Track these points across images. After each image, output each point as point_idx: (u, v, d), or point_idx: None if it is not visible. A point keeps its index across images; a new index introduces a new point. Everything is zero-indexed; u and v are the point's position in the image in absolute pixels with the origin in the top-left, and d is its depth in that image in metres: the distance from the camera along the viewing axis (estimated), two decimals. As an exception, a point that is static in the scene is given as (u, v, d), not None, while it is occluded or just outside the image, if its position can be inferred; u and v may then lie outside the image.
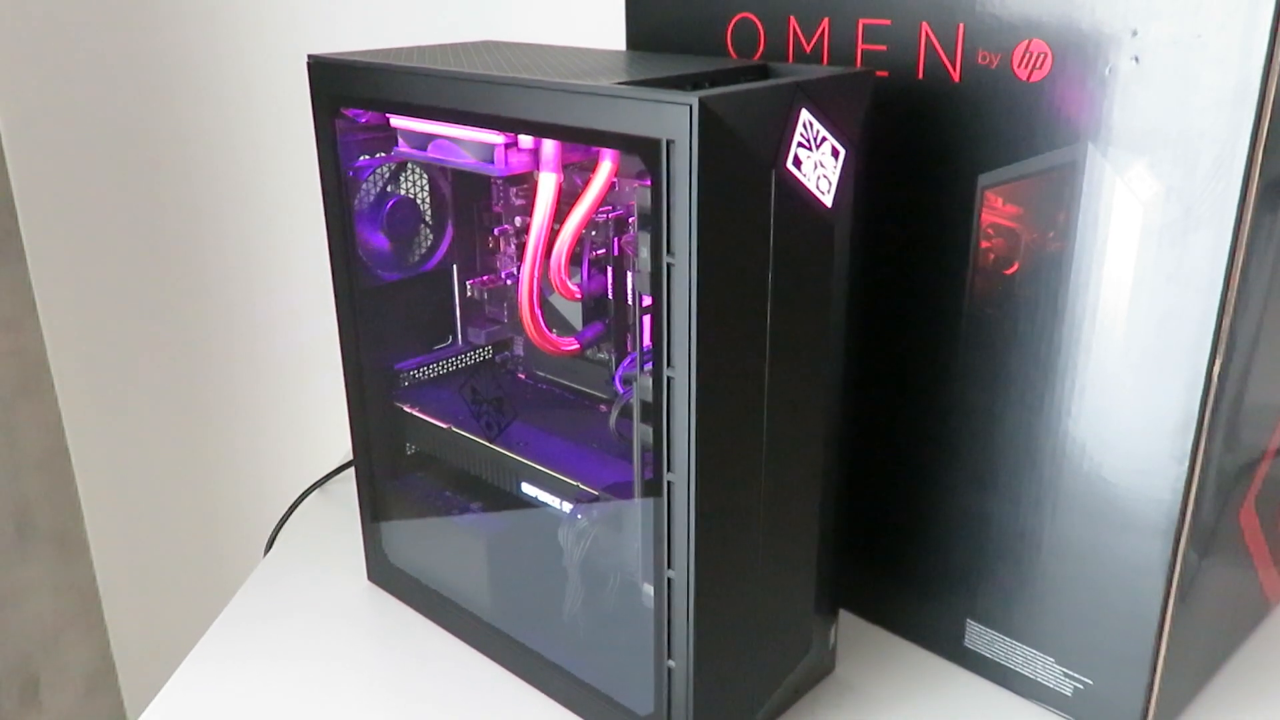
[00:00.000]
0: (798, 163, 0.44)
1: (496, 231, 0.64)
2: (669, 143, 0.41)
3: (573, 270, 0.57)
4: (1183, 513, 0.48)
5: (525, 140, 0.52)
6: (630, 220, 0.55)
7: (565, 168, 0.53)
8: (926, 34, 0.50)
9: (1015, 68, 0.47)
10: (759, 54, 0.56)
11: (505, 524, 0.60)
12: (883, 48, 0.51)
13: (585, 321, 0.59)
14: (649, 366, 0.46)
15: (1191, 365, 0.45)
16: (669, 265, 0.42)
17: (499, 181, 0.62)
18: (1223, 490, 0.51)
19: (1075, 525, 0.51)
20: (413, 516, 0.64)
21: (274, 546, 0.73)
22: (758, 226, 0.44)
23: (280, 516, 0.76)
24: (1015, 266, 0.50)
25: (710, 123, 0.40)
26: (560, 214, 0.53)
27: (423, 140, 0.56)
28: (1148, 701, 0.51)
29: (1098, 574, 0.51)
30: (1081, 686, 0.53)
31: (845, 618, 0.61)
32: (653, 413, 0.45)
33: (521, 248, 0.61)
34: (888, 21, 0.51)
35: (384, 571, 0.66)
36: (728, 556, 0.48)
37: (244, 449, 1.13)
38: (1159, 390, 0.47)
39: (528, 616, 0.59)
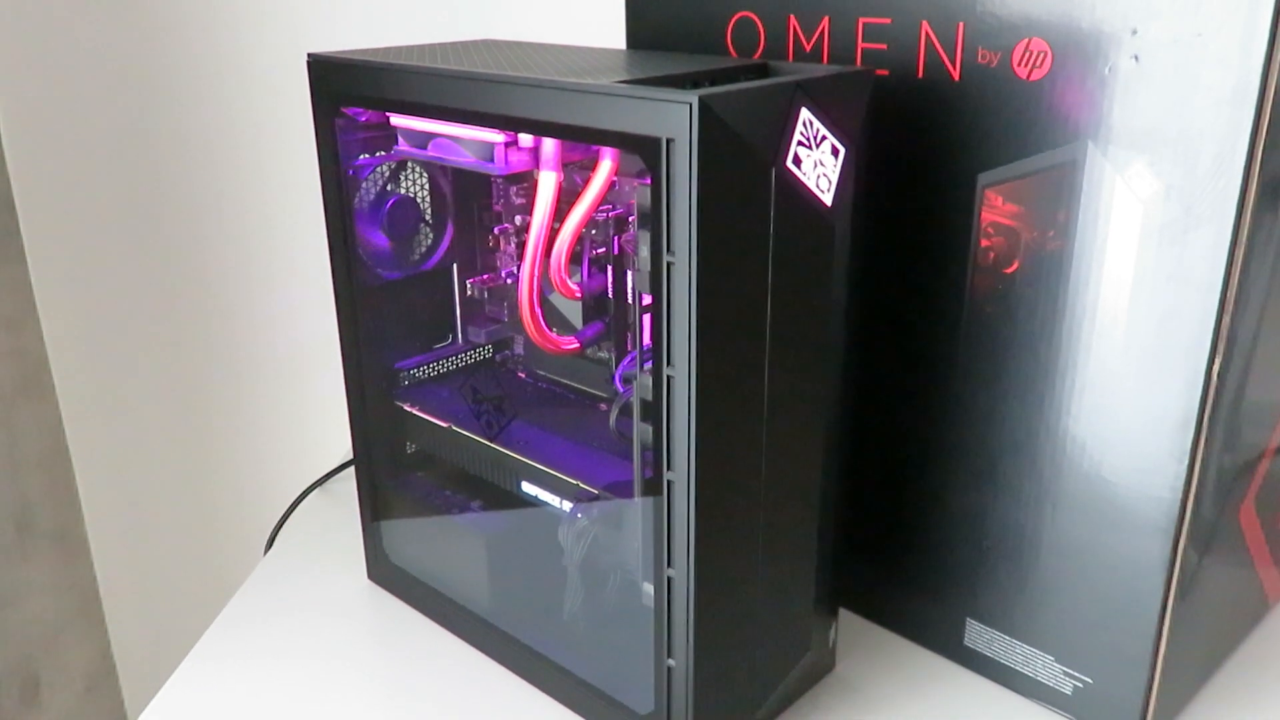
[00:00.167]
0: (798, 161, 0.44)
1: (496, 230, 0.64)
2: (669, 141, 0.41)
3: (573, 269, 0.57)
4: (1182, 511, 0.48)
5: (525, 139, 0.52)
6: (630, 219, 0.55)
7: (565, 166, 0.54)
8: (926, 33, 0.50)
9: (1015, 66, 0.47)
10: (759, 53, 0.56)
11: (505, 523, 0.60)
12: (883, 46, 0.51)
13: (585, 320, 0.59)
14: (649, 365, 0.46)
15: (1191, 364, 0.45)
16: (669, 264, 0.42)
17: (499, 180, 0.62)
18: (1222, 489, 0.51)
19: (1075, 524, 0.51)
20: (413, 515, 0.64)
21: (274, 545, 0.73)
22: (758, 225, 0.44)
23: (280, 515, 0.76)
24: (1015, 265, 0.50)
25: (710, 121, 0.40)
26: (560, 213, 0.53)
27: (423, 139, 0.56)
28: (1147, 700, 0.51)
29: (1098, 573, 0.51)
30: (1081, 685, 0.53)
31: (845, 616, 0.61)
32: (653, 411, 0.45)
33: (521, 246, 0.61)
34: (888, 20, 0.51)
35: (384, 570, 0.66)
36: (728, 555, 0.48)
37: (244, 448, 1.13)
38: (1159, 389, 0.47)
39: (528, 615, 0.59)
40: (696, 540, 0.46)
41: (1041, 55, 0.46)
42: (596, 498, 0.54)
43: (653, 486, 0.47)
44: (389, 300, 0.63)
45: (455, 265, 0.65)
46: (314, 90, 0.57)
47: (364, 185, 0.60)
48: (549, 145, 0.52)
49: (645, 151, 0.42)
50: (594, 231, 0.56)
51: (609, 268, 0.57)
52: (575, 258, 0.56)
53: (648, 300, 0.44)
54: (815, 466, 0.51)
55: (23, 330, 1.07)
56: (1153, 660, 0.50)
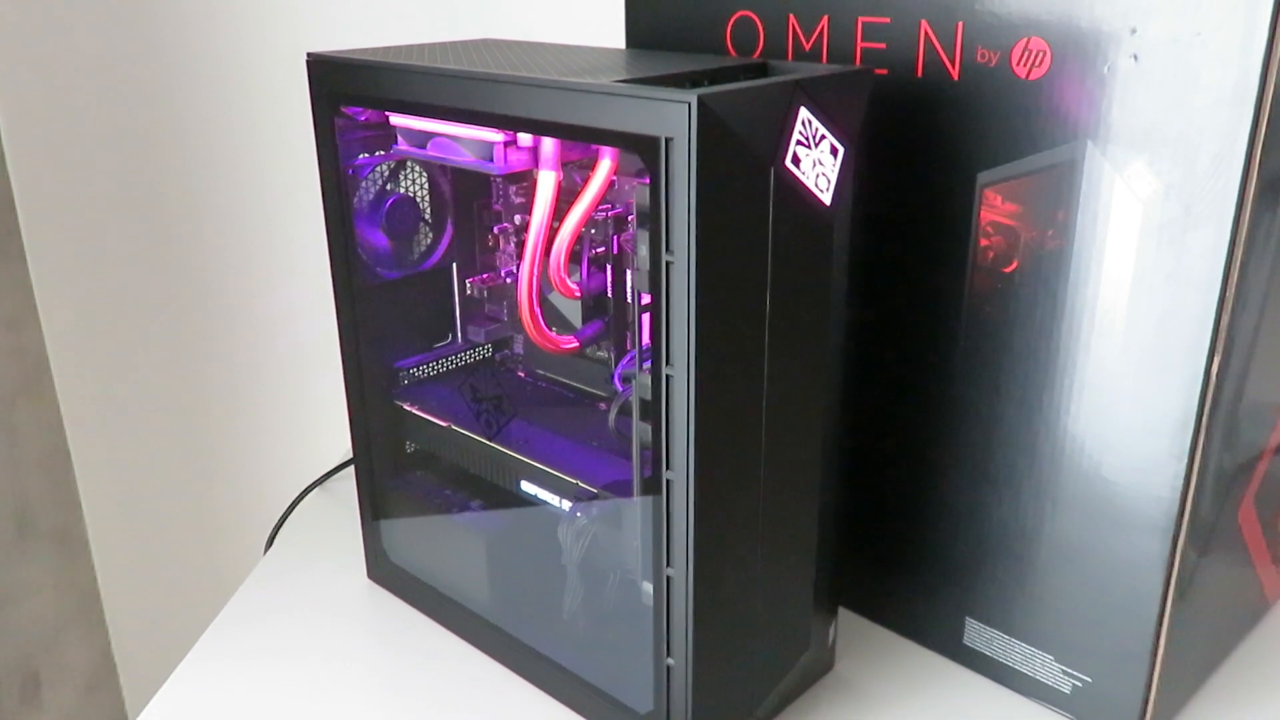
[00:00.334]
0: (796, 161, 0.44)
1: (496, 229, 0.64)
2: (668, 140, 0.41)
3: (572, 268, 0.57)
4: (1181, 510, 0.48)
5: (524, 138, 0.52)
6: (629, 218, 0.55)
7: (564, 166, 0.54)
8: (926, 32, 0.50)
9: (1014, 66, 0.47)
10: (758, 52, 0.56)
11: (505, 522, 0.60)
12: (882, 46, 0.51)
13: (585, 320, 0.59)
14: (648, 364, 0.46)
15: (1190, 363, 0.45)
16: (668, 263, 0.42)
17: (498, 179, 0.62)
18: (1221, 488, 0.51)
19: (1074, 523, 0.51)
20: (413, 515, 0.64)
21: (274, 545, 0.73)
22: (757, 224, 0.44)
23: (280, 515, 0.76)
24: (1014, 264, 0.50)
25: (709, 121, 0.40)
26: (560, 212, 0.53)
27: (422, 138, 0.56)
28: (1146, 699, 0.51)
29: (1097, 572, 0.51)
30: (1080, 684, 0.53)
31: (844, 615, 0.61)
32: (652, 411, 0.45)
33: (521, 246, 0.61)
34: (887, 20, 0.51)
35: (384, 569, 0.66)
36: (727, 554, 0.48)
37: (244, 447, 1.13)
38: (1158, 388, 0.47)
39: (527, 614, 0.59)
40: (695, 539, 0.46)
41: (1041, 54, 0.46)
42: (596, 497, 0.54)
43: (652, 486, 0.47)
44: (389, 300, 0.63)
45: (455, 264, 0.66)
46: (313, 90, 0.57)
47: (364, 185, 0.60)
48: (548, 144, 0.52)
49: (644, 151, 0.42)
50: (593, 231, 0.56)
51: (608, 267, 0.57)
52: (574, 257, 0.56)
53: (647, 299, 0.45)
54: (814, 465, 0.51)
55: (23, 330, 1.07)
56: (1152, 659, 0.50)
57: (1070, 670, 0.54)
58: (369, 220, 0.61)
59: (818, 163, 0.45)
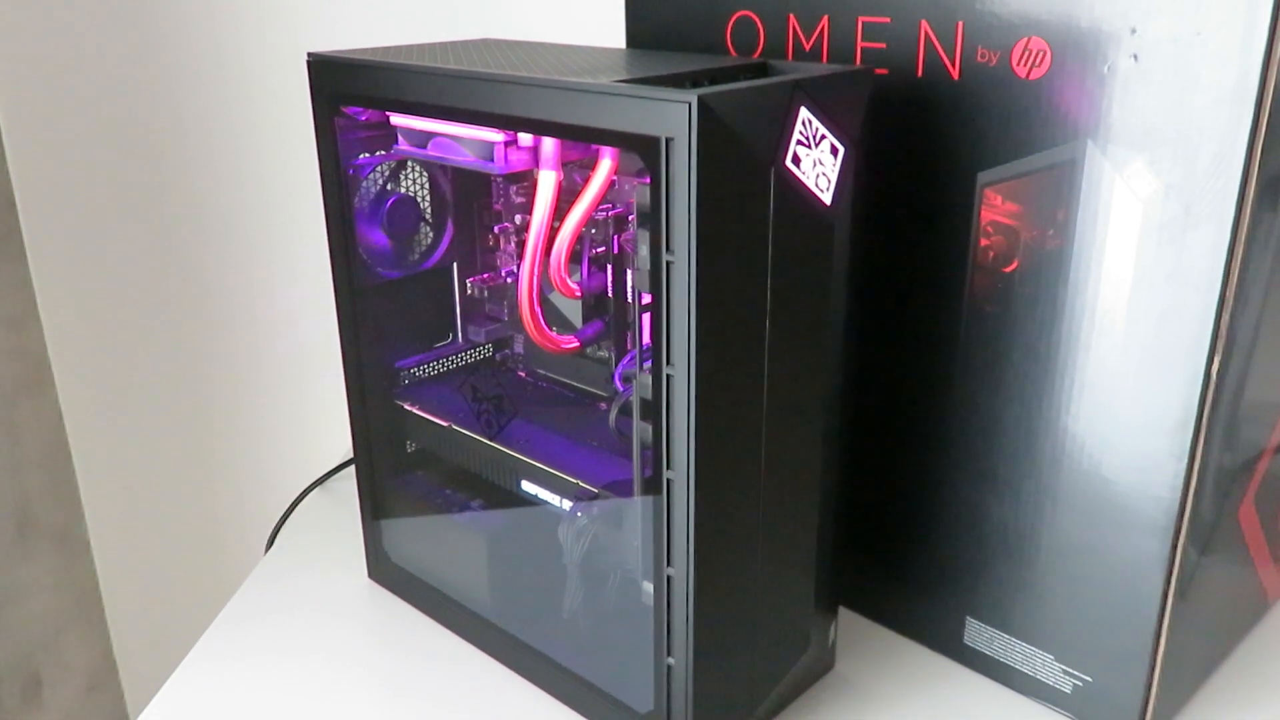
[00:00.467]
0: (797, 160, 0.44)
1: (496, 229, 0.64)
2: (668, 140, 0.41)
3: (572, 268, 0.57)
4: (1182, 510, 0.48)
5: (525, 138, 0.52)
6: (630, 218, 0.55)
7: (565, 165, 0.54)
8: (926, 32, 0.50)
9: (1014, 65, 0.47)
10: (759, 52, 0.56)
11: (505, 522, 0.60)
12: (882, 45, 0.51)
13: (585, 319, 0.59)
14: (648, 364, 0.46)
15: (1191, 363, 0.45)
16: (668, 263, 0.42)
17: (499, 179, 0.62)
18: (1222, 487, 0.51)
19: (1074, 523, 0.51)
20: (413, 514, 0.64)
21: (275, 544, 0.73)
22: (757, 224, 0.44)
23: (281, 514, 0.76)
24: (1014, 264, 0.50)
25: (709, 120, 0.40)
26: (560, 212, 0.53)
27: (423, 138, 0.56)
28: (1147, 698, 0.51)
29: (1097, 571, 0.51)
30: (1081, 684, 0.53)
31: (845, 615, 0.61)
32: (652, 410, 0.45)
33: (521, 245, 0.61)
34: (887, 19, 0.51)
35: (384, 569, 0.66)
36: (727, 554, 0.48)
37: (244, 447, 1.13)
38: (1158, 388, 0.47)
39: (528, 614, 0.59)
40: (696, 539, 0.46)
41: (1041, 54, 0.46)
42: (596, 496, 0.54)
43: (652, 485, 0.47)
44: (389, 299, 0.63)
45: (455, 264, 0.66)
46: (314, 90, 0.57)
47: (364, 184, 0.60)
48: (548, 144, 0.52)
49: (644, 151, 0.42)
50: (593, 230, 0.56)
51: (609, 267, 0.57)
52: (575, 257, 0.56)
53: (647, 299, 0.45)
54: (815, 465, 0.51)
55: (24, 329, 1.07)
56: (1152, 658, 0.50)
57: (1070, 670, 0.54)
58: (369, 220, 0.61)
59: (818, 162, 0.45)
